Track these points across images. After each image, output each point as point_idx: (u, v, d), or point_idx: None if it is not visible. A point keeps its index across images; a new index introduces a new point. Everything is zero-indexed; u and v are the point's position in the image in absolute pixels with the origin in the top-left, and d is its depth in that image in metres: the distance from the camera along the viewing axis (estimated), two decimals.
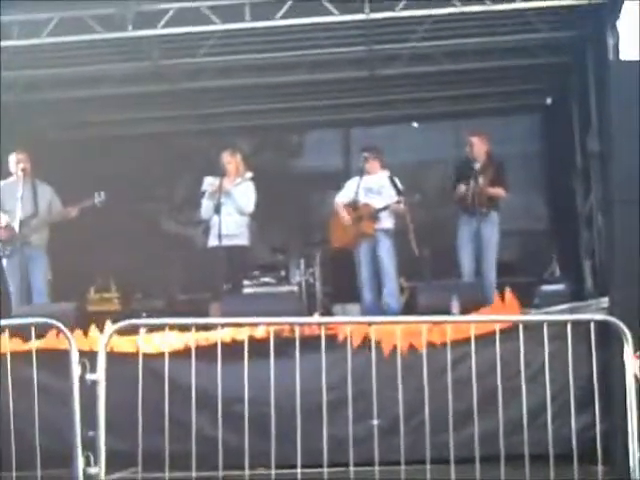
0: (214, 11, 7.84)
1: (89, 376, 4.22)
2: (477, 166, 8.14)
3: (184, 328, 5.42)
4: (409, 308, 7.72)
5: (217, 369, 4.49)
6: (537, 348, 4.71)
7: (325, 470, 4.45)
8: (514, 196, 8.55)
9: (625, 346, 4.49)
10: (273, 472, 4.55)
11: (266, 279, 9.19)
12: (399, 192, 8.10)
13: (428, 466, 4.45)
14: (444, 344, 5.07)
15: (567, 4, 7.78)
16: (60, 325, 4.45)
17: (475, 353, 4.61)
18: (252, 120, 11.01)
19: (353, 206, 8.22)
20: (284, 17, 7.81)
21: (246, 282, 8.64)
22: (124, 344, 5.70)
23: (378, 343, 5.32)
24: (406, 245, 7.93)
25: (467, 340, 4.76)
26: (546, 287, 8.04)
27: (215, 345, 4.60)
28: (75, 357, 4.26)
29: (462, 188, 8.11)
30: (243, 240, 8.11)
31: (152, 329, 5.50)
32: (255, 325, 5.55)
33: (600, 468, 4.72)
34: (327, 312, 8.87)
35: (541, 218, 10.83)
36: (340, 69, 9.47)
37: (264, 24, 7.95)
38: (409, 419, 4.95)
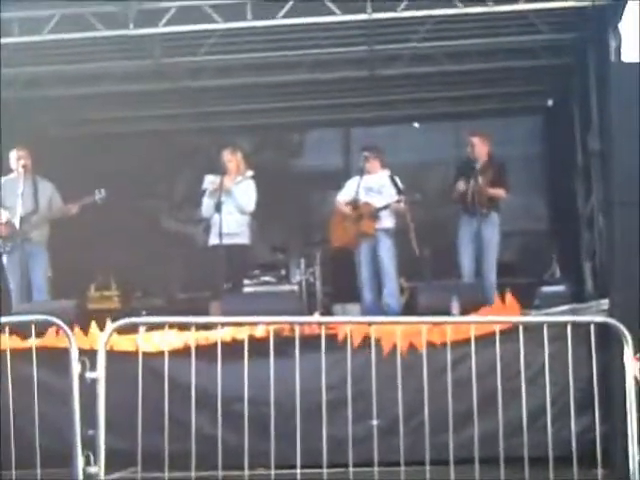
0: (216, 10, 7.83)
1: (89, 374, 4.21)
2: (477, 166, 8.14)
3: (184, 327, 5.43)
4: (409, 308, 7.73)
5: (217, 368, 4.49)
6: (537, 349, 4.71)
7: (325, 470, 4.45)
8: (515, 197, 8.55)
9: (625, 348, 4.50)
10: (273, 472, 4.56)
11: (266, 278, 9.21)
12: (399, 191, 8.10)
13: (427, 467, 4.45)
14: (444, 345, 5.07)
15: (569, 6, 7.77)
16: (60, 323, 4.44)
17: (475, 354, 4.61)
18: (253, 119, 11.01)
19: (353, 205, 8.22)
20: (286, 16, 7.80)
21: (246, 281, 8.64)
22: (124, 342, 5.71)
23: (378, 343, 5.32)
24: (406, 245, 7.93)
25: (467, 341, 4.77)
26: (546, 288, 8.04)
27: (215, 344, 4.60)
28: (75, 355, 4.26)
29: (461, 185, 8.11)
30: (244, 239, 8.10)
31: (152, 328, 5.51)
32: (255, 324, 5.55)
33: (600, 471, 4.73)
34: (327, 312, 8.86)
35: (542, 219, 10.84)
36: (341, 69, 9.47)
37: (265, 23, 7.94)
38: (409, 420, 4.97)
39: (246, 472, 4.43)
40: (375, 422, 4.88)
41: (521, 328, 4.63)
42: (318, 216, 10.37)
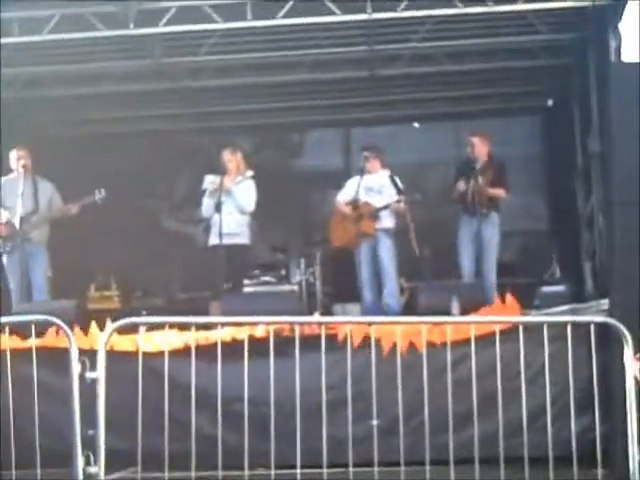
0: (216, 10, 7.83)
1: (89, 374, 4.21)
2: (477, 166, 8.14)
3: (184, 327, 5.43)
4: (409, 308, 7.73)
5: (217, 368, 4.49)
6: (537, 349, 4.71)
7: (325, 470, 4.44)
8: (515, 197, 8.55)
9: (625, 348, 4.50)
10: (272, 472, 4.56)
11: (266, 278, 9.21)
12: (399, 191, 8.11)
13: (427, 467, 4.45)
14: (444, 345, 5.07)
15: (569, 6, 7.77)
16: (60, 323, 4.44)
17: (475, 354, 4.61)
18: (253, 119, 11.01)
19: (353, 205, 8.23)
20: (286, 16, 7.81)
21: (246, 281, 8.64)
22: (124, 342, 5.70)
23: (378, 343, 5.32)
24: (406, 245, 7.93)
25: (467, 341, 4.77)
26: (546, 288, 8.04)
27: (215, 344, 4.60)
28: (75, 355, 4.26)
29: (461, 185, 8.11)
30: (244, 239, 8.10)
31: (152, 328, 5.51)
32: (255, 324, 5.55)
33: (600, 471, 4.73)
34: (327, 312, 8.86)
35: (542, 219, 10.84)
36: (341, 69, 9.47)
37: (265, 23, 7.94)
38: (409, 420, 4.96)
39: (246, 472, 4.43)
40: (375, 422, 4.88)
41: (521, 328, 4.63)
42: (318, 216, 10.36)
